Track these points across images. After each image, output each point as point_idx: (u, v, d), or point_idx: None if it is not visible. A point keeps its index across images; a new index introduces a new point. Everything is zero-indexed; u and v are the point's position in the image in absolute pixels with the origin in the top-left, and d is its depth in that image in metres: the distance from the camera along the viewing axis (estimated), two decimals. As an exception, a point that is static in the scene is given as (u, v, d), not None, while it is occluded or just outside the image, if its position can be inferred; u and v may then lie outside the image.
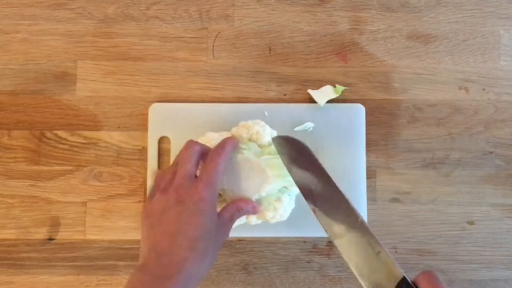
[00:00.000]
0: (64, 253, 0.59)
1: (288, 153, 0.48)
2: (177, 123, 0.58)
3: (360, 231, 0.42)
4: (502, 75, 0.60)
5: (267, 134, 0.51)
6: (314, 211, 0.45)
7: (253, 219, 0.51)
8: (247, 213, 0.48)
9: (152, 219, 0.44)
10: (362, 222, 0.42)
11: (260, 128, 0.50)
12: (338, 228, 0.43)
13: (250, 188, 0.49)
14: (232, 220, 0.46)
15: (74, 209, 0.59)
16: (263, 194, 0.49)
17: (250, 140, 0.51)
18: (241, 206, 0.47)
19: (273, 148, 0.50)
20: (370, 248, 0.41)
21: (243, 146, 0.50)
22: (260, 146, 0.51)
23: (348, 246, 0.42)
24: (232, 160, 0.49)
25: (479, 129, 0.60)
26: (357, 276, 0.41)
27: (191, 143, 0.47)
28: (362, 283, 0.41)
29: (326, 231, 0.44)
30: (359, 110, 0.59)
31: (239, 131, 0.51)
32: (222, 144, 0.47)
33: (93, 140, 0.59)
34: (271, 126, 0.55)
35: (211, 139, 0.51)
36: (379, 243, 0.41)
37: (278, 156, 0.49)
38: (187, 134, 0.58)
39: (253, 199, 0.49)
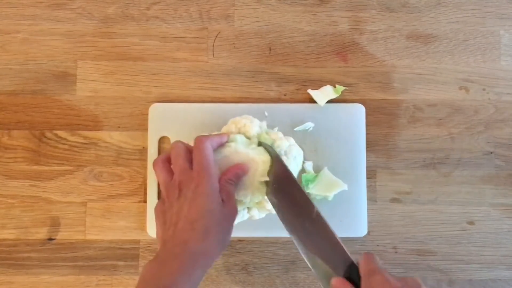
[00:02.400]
0: (64, 253, 0.59)
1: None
2: (177, 123, 0.58)
3: (315, 223, 0.44)
4: (502, 75, 0.60)
5: (255, 125, 0.51)
6: (274, 205, 0.47)
7: (256, 213, 0.51)
8: (238, 176, 0.48)
9: (161, 218, 0.46)
10: (318, 213, 0.44)
11: (247, 121, 0.51)
12: (296, 222, 0.45)
13: (244, 179, 0.49)
14: (229, 194, 0.46)
15: (74, 209, 0.59)
16: (257, 182, 0.49)
17: (239, 132, 0.51)
18: (228, 176, 0.47)
19: (261, 138, 0.51)
20: (324, 239, 0.43)
21: (230, 138, 0.50)
22: (248, 137, 0.51)
23: (304, 238, 0.44)
24: (222, 154, 0.49)
25: (479, 129, 0.60)
26: (310, 266, 0.43)
27: (175, 143, 0.48)
28: (315, 272, 0.43)
29: (285, 226, 0.45)
30: (359, 110, 0.59)
31: (229, 127, 0.52)
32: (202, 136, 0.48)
33: (93, 140, 0.59)
34: (271, 126, 0.55)
35: None
36: (332, 232, 0.43)
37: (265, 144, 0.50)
38: (187, 134, 0.58)
39: (249, 190, 0.49)
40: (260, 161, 0.49)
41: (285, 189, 0.47)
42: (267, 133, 0.53)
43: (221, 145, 0.49)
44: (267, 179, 0.48)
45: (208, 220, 0.43)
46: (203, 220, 0.43)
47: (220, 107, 0.59)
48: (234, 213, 0.46)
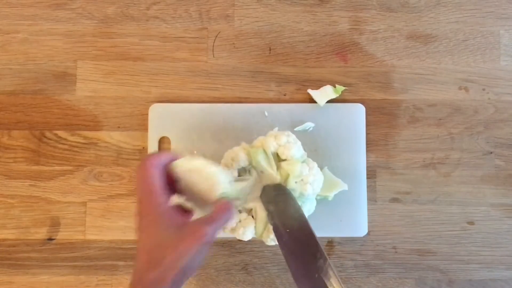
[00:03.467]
0: (64, 253, 0.59)
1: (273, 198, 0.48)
2: (177, 123, 0.58)
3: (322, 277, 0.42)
4: (502, 75, 0.60)
5: (299, 148, 0.50)
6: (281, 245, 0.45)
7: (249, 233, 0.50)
8: (175, 157, 0.44)
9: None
10: (329, 265, 0.42)
11: (291, 140, 0.50)
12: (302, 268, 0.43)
13: (204, 191, 0.45)
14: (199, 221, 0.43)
15: (74, 209, 0.59)
16: (218, 194, 0.44)
17: (277, 151, 0.50)
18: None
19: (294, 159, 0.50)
20: None
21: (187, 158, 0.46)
22: (280, 158, 0.50)
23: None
24: (182, 170, 0.44)
25: (479, 129, 0.60)
26: None
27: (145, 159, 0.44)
28: None
29: (289, 268, 0.44)
30: (359, 110, 0.59)
31: (267, 140, 0.50)
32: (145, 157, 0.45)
33: (93, 140, 0.59)
34: (272, 127, 0.55)
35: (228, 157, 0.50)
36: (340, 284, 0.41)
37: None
38: (187, 134, 0.58)
39: (214, 197, 0.45)
40: (216, 176, 0.44)
41: (299, 239, 0.45)
42: (304, 161, 0.52)
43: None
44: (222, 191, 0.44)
45: (164, 248, 0.40)
46: (159, 248, 0.40)
47: (220, 107, 0.59)
48: (195, 237, 0.41)
